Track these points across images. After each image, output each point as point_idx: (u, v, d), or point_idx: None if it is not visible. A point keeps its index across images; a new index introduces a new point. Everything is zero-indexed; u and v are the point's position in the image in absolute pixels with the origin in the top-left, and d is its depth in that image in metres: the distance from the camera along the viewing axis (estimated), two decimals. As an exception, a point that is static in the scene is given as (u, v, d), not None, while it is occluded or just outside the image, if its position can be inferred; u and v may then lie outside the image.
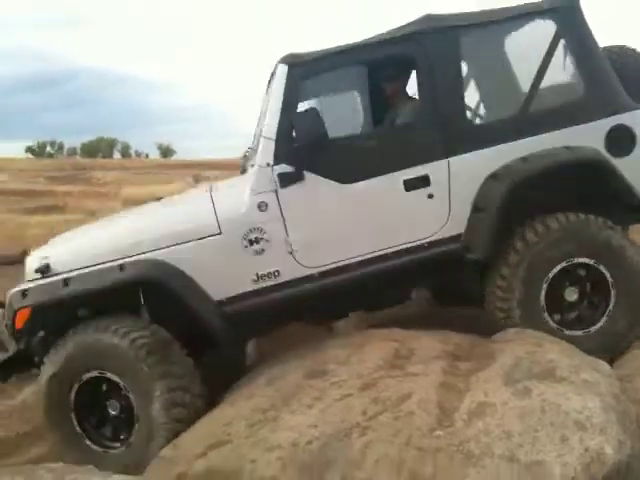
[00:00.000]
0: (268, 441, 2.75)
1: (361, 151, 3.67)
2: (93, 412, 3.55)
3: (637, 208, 3.72)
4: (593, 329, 3.61)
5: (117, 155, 70.40)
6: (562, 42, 3.73)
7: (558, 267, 3.56)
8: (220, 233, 3.54)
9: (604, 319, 3.61)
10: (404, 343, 3.33)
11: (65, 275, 3.52)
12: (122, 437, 3.52)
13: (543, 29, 3.74)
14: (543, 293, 3.56)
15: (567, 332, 3.57)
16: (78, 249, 3.70)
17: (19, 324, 3.49)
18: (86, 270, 3.53)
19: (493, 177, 3.59)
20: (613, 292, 3.59)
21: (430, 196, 3.62)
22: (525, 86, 3.78)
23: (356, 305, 4.08)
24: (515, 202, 3.52)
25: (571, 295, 3.63)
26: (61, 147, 72.89)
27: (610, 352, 3.52)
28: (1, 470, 2.66)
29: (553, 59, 3.72)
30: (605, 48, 3.98)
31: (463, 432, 2.52)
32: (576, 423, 2.47)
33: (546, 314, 3.57)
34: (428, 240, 3.64)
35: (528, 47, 3.84)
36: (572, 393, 2.64)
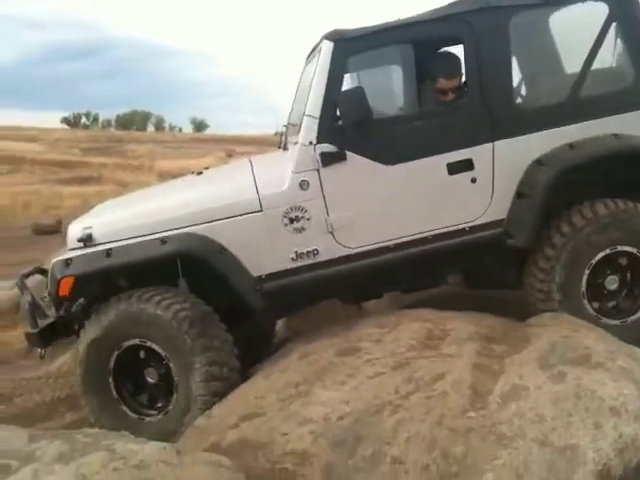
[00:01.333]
0: (300, 415, 2.78)
1: (405, 132, 3.62)
2: (131, 379, 3.63)
3: None
4: (631, 319, 3.57)
5: (151, 128, 70.97)
6: (614, 26, 3.63)
7: (602, 254, 3.51)
8: (261, 210, 3.56)
9: None
10: (438, 324, 3.33)
11: (108, 246, 3.57)
12: (159, 405, 3.60)
13: (595, 12, 3.63)
14: (585, 279, 3.51)
15: (604, 320, 3.53)
16: (121, 220, 3.73)
17: (63, 292, 3.56)
18: (129, 242, 3.57)
19: (538, 163, 3.53)
20: None
21: (473, 180, 3.58)
22: (574, 70, 3.70)
23: (393, 286, 4.05)
24: (560, 189, 3.47)
25: (612, 283, 3.58)
26: (96, 119, 73.81)
27: None
28: (39, 434, 2.72)
29: (604, 43, 3.63)
30: None
31: (496, 414, 2.52)
32: (611, 409, 2.46)
33: (585, 300, 3.53)
34: (470, 225, 3.61)
35: (579, 30, 3.75)
36: (607, 379, 2.62)
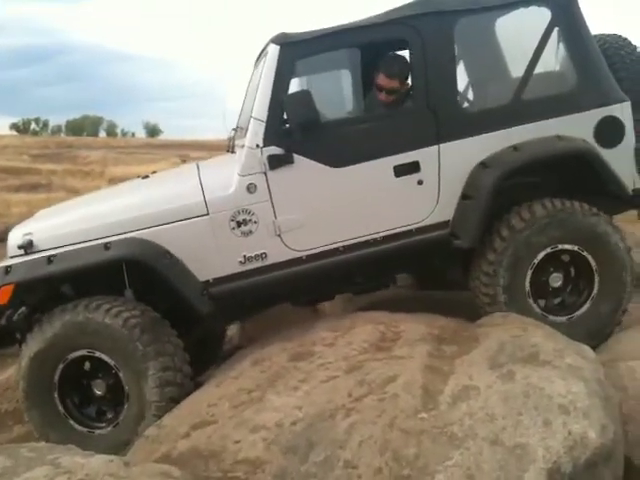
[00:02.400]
0: (252, 422, 2.75)
1: (352, 135, 3.64)
2: (77, 392, 3.53)
3: (623, 199, 3.74)
4: (577, 315, 3.65)
5: (102, 134, 69.84)
6: (556, 30, 3.71)
7: (543, 253, 3.58)
8: (208, 214, 3.53)
9: (588, 305, 3.65)
10: (390, 326, 3.33)
11: (49, 252, 3.48)
12: (108, 417, 3.52)
13: (538, 17, 3.71)
14: (528, 279, 3.58)
15: (551, 318, 3.60)
16: (62, 226, 3.65)
17: (2, 300, 3.45)
18: (71, 248, 3.49)
19: (483, 165, 3.59)
20: (597, 278, 3.62)
21: (420, 182, 3.62)
22: (518, 73, 3.76)
23: (342, 288, 4.08)
24: (504, 190, 3.53)
25: (556, 281, 3.66)
26: (46, 125, 72.28)
27: (594, 338, 3.54)
28: (-17, 449, 2.62)
29: (546, 47, 3.70)
30: (597, 36, 3.97)
31: (447, 415, 2.53)
32: (560, 407, 2.48)
33: (531, 300, 3.60)
34: (416, 226, 3.64)
35: (523, 35, 3.82)
36: (556, 377, 2.65)
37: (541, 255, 3.57)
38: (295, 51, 3.57)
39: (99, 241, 3.48)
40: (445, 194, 3.63)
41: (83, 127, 70.64)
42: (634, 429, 2.83)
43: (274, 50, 3.55)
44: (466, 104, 4.02)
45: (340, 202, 3.60)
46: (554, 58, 3.80)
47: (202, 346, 4.35)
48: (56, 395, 3.46)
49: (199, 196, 3.55)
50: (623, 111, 3.71)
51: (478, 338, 3.13)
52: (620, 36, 4.05)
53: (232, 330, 5.33)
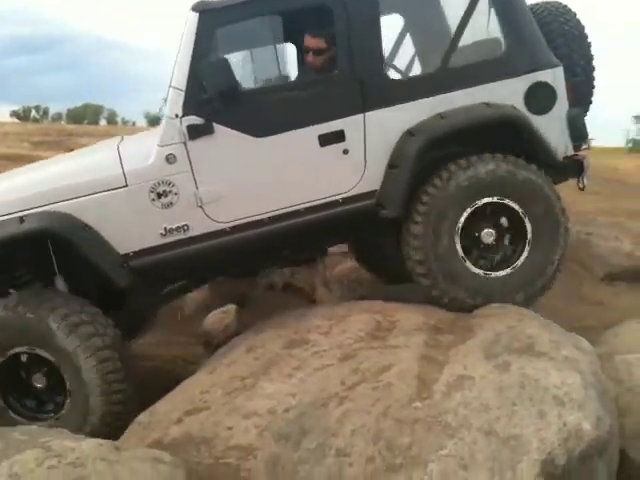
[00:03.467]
0: (245, 408, 2.73)
1: (275, 104, 3.55)
2: (17, 386, 3.48)
3: (555, 166, 3.66)
4: (518, 265, 3.55)
5: (103, 122, 69.71)
6: None
7: (465, 213, 3.49)
8: (126, 185, 3.45)
9: (525, 254, 3.56)
10: (386, 315, 3.31)
11: None
12: (50, 408, 3.47)
13: None
14: (458, 240, 3.49)
15: (494, 274, 3.54)
16: None
17: None
18: None
19: (409, 133, 3.51)
20: (528, 225, 3.53)
21: (345, 152, 3.53)
22: (446, 42, 3.70)
23: (270, 261, 4.00)
24: (430, 158, 3.48)
25: (488, 237, 3.56)
26: (46, 112, 72.13)
27: (529, 291, 3.52)
28: (-25, 432, 2.60)
29: (475, 15, 3.64)
30: (537, 3, 3.96)
31: (442, 404, 2.51)
32: (555, 398, 2.47)
33: (468, 263, 3.52)
34: (343, 196, 3.56)
35: (450, 3, 3.81)
36: (552, 369, 2.64)
37: (465, 214, 3.49)
38: (215, 19, 3.46)
39: (15, 214, 3.38)
40: (372, 163, 3.56)
41: (84, 115, 70.51)
42: (630, 422, 2.81)
43: (193, 18, 3.44)
44: (393, 72, 3.93)
45: (264, 172, 3.52)
46: (484, 25, 3.76)
47: (138, 317, 4.37)
48: None
49: (117, 167, 3.47)
50: (555, 77, 3.65)
51: (473, 328, 3.10)
52: (560, 3, 3.99)
53: (229, 317, 5.33)
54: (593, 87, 3.96)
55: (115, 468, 2.23)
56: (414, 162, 3.43)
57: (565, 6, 3.96)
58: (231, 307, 5.62)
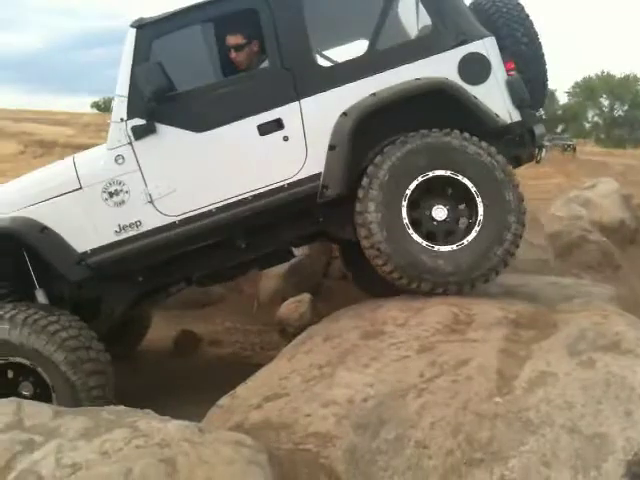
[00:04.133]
0: (323, 396, 2.77)
1: (212, 100, 3.76)
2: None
3: (498, 130, 3.68)
4: (468, 240, 3.53)
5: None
6: None
7: (413, 184, 3.52)
8: (80, 188, 3.73)
9: (478, 227, 3.53)
10: (464, 308, 3.28)
11: None
12: None
13: None
14: (404, 214, 3.51)
15: (442, 249, 3.51)
16: None
17: None
18: None
19: (344, 114, 3.62)
20: (479, 202, 3.53)
21: (285, 138, 3.69)
22: (373, 26, 3.84)
23: (230, 258, 4.03)
24: (366, 134, 3.57)
25: (440, 214, 3.59)
26: (125, 103, 73.98)
27: (485, 262, 3.47)
28: (64, 410, 2.73)
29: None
30: None
31: (523, 400, 2.48)
32: (642, 397, 2.40)
33: (411, 231, 3.52)
34: (288, 181, 3.69)
35: None
36: (638, 367, 2.56)
37: (413, 185, 3.52)
38: (150, 32, 3.74)
39: None
40: (313, 148, 3.68)
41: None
42: None
43: (131, 33, 3.74)
44: (322, 60, 4.06)
45: (207, 165, 3.71)
46: (407, 6, 3.99)
47: (126, 328, 4.80)
48: None
49: (72, 172, 3.76)
50: (486, 47, 3.71)
51: (557, 324, 3.04)
52: None
53: (304, 306, 5.40)
54: (543, 62, 4.02)
55: (199, 449, 2.30)
56: (349, 139, 3.54)
57: None
58: (305, 296, 5.71)
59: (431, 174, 3.54)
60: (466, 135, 3.57)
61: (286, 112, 3.68)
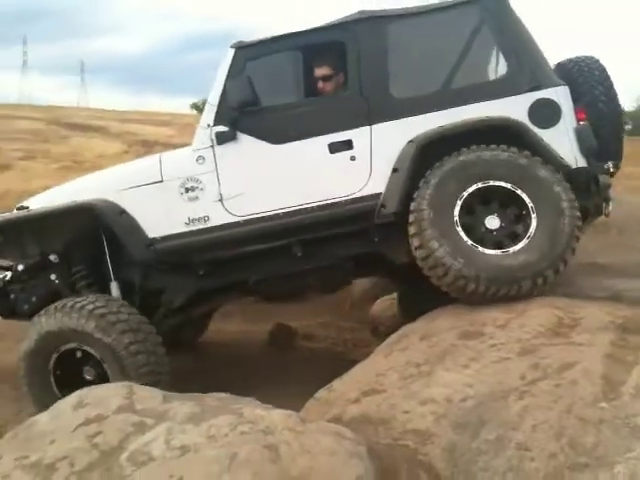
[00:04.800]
0: (421, 394, 2.78)
1: (290, 117, 4.13)
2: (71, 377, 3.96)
3: (563, 171, 3.69)
4: (517, 248, 3.56)
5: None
6: (486, 27, 4.05)
7: (464, 194, 3.61)
8: (162, 181, 4.14)
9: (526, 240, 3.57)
10: (568, 312, 3.20)
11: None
12: None
13: (468, 16, 4.07)
14: (456, 216, 3.59)
15: (486, 251, 3.56)
16: (53, 196, 4.45)
17: None
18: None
19: (411, 142, 3.82)
20: (533, 215, 3.58)
21: (353, 158, 3.97)
22: (450, 66, 4.06)
23: (288, 267, 4.18)
24: (427, 161, 3.72)
25: (492, 223, 3.66)
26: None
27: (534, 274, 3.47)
28: (172, 395, 2.86)
29: (477, 42, 4.06)
30: (569, 59, 4.26)
31: (630, 406, 2.41)
32: None
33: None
34: (349, 197, 3.96)
35: (455, 32, 4.15)
36: None
37: (462, 198, 3.62)
38: (246, 53, 4.15)
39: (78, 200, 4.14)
40: (377, 169, 3.93)
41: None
42: None
43: (230, 52, 4.15)
44: (397, 92, 4.14)
45: (277, 174, 4.04)
46: (485, 51, 4.18)
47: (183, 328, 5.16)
48: (52, 379, 3.97)
49: (157, 166, 4.18)
50: (559, 94, 3.86)
51: (668, 330, 2.92)
52: (592, 57, 4.23)
53: (396, 306, 5.41)
54: (619, 118, 4.16)
55: (301, 439, 2.36)
56: (411, 162, 3.73)
57: (597, 60, 4.21)
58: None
59: (479, 185, 3.64)
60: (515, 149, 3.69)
61: (357, 135, 3.97)
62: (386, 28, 4.09)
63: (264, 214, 4.01)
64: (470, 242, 3.56)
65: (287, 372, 4.88)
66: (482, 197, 3.67)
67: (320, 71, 4.28)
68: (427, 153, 3.73)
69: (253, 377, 4.67)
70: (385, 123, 3.96)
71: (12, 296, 4.43)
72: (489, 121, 3.77)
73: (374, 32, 4.09)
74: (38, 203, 4.43)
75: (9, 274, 4.44)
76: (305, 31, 4.22)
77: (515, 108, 3.83)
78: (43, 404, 3.85)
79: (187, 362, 5.32)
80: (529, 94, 3.88)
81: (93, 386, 2.94)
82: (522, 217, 3.64)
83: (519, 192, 3.61)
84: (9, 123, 22.54)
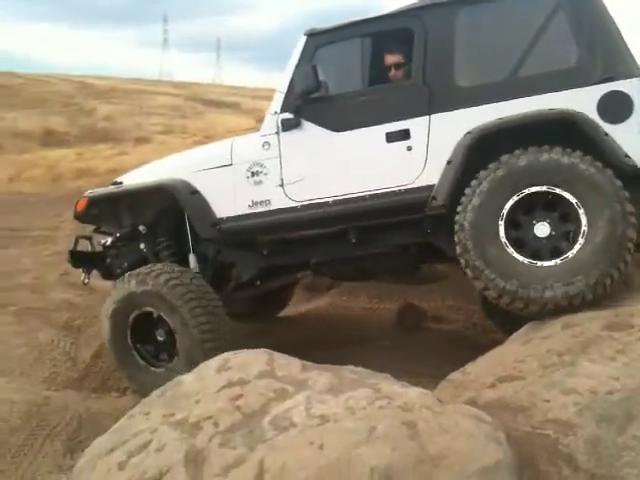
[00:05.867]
0: (564, 384, 2.69)
1: (352, 105, 4.13)
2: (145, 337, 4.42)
3: (627, 174, 3.45)
4: (569, 256, 3.40)
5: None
6: (562, 12, 3.79)
7: (511, 202, 3.48)
8: (231, 164, 4.34)
9: (579, 245, 3.39)
10: None
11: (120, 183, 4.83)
12: (164, 358, 4.41)
13: (545, 1, 3.84)
14: (501, 230, 3.47)
15: (545, 264, 3.42)
16: (143, 173, 4.81)
17: (80, 207, 4.72)
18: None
19: (468, 133, 3.69)
20: (581, 212, 3.39)
21: (409, 148, 3.93)
22: (519, 54, 3.86)
23: (345, 251, 4.27)
24: (484, 154, 3.57)
25: (542, 230, 3.50)
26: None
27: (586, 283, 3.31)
28: (310, 365, 2.94)
29: (550, 29, 3.80)
30: None
31: None
32: None
33: (511, 248, 3.46)
34: (404, 187, 3.93)
35: (526, 17, 3.91)
36: None
37: (509, 204, 3.48)
38: (317, 40, 4.20)
39: (154, 180, 4.55)
40: (433, 160, 3.86)
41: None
42: None
43: (302, 40, 4.21)
44: (461, 80, 4.01)
45: (336, 161, 4.09)
46: (559, 38, 3.85)
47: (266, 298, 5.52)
48: (129, 335, 4.38)
49: (228, 150, 4.38)
50: (632, 87, 3.57)
51: None
52: None
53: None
54: None
55: (439, 418, 2.36)
56: (464, 155, 3.63)
57: None
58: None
59: (527, 191, 3.49)
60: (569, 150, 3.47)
61: (415, 124, 3.94)
62: (454, 14, 3.99)
63: (322, 200, 4.10)
64: (527, 260, 3.44)
65: (415, 353, 4.88)
66: (525, 206, 3.52)
67: (392, 58, 4.26)
68: (483, 146, 3.60)
69: (379, 355, 4.71)
70: (445, 113, 3.88)
71: (108, 260, 4.90)
72: (550, 114, 3.57)
73: (442, 18, 4.01)
74: (131, 179, 4.80)
75: (110, 240, 4.88)
76: (375, 18, 4.21)
77: (583, 100, 3.61)
78: (120, 356, 4.46)
79: (310, 334, 5.48)
80: (599, 86, 3.63)
81: (236, 350, 3.08)
82: (569, 218, 3.47)
83: (560, 191, 3.45)
84: (150, 98, 23.88)
